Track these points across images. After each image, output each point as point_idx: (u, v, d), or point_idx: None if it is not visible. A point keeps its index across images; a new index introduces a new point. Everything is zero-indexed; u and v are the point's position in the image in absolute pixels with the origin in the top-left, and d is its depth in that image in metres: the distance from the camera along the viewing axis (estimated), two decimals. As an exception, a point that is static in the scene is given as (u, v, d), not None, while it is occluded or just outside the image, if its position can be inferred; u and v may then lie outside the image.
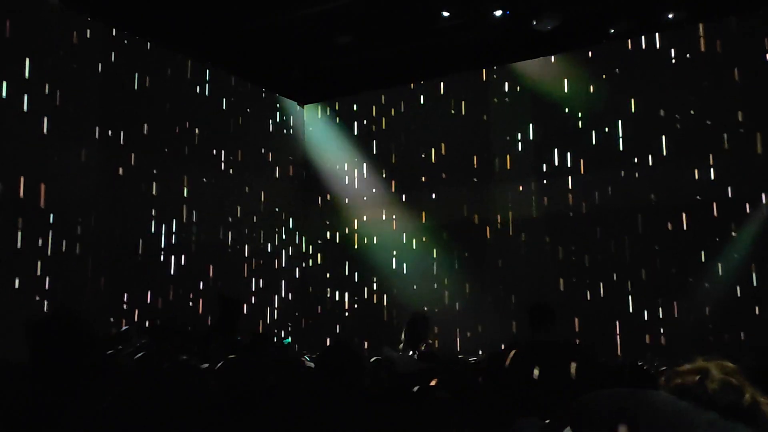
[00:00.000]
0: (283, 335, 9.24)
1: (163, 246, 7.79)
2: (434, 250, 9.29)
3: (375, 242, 9.71)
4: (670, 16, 7.12)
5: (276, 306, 9.51)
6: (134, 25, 7.33)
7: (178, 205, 8.08)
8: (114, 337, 4.77)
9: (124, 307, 7.12)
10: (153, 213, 7.72)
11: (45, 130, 6.52)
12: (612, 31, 7.46)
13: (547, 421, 1.61)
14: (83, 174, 6.91)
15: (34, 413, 1.99)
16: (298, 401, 2.36)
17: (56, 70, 6.70)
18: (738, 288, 7.47)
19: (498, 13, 7.08)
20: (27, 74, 6.42)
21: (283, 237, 9.82)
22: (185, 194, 8.20)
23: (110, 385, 2.00)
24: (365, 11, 7.17)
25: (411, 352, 4.81)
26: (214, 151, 8.69)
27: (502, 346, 3.09)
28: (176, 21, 7.13)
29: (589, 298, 8.20)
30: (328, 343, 8.71)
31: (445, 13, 7.20)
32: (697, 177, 7.81)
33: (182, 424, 1.99)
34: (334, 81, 9.08)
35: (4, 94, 6.17)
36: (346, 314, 9.71)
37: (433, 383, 2.67)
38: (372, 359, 3.94)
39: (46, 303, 6.36)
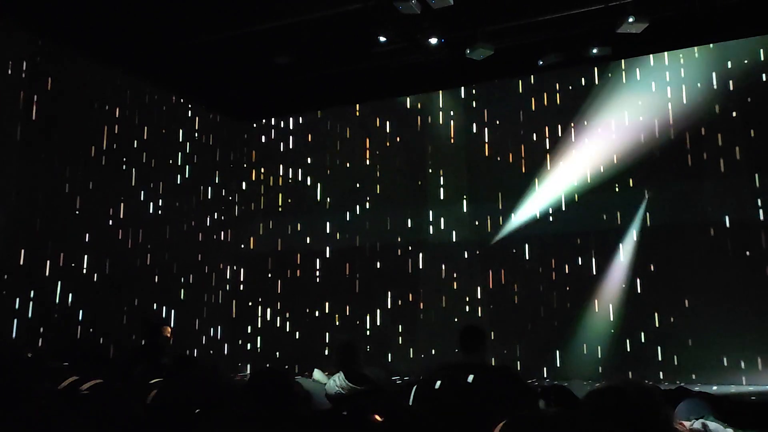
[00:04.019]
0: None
1: (88, 259, 7.47)
2: (368, 271, 9.34)
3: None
4: (594, 51, 7.51)
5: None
6: (64, 35, 7.08)
7: (103, 219, 7.81)
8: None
9: (41, 329, 6.76)
10: (74, 225, 7.41)
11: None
12: (540, 63, 7.79)
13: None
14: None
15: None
16: (226, 426, 2.31)
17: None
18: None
19: (433, 40, 7.25)
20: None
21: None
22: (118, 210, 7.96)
23: (30, 414, 1.90)
24: (303, 33, 7.22)
25: (341, 375, 4.78)
26: (141, 166, 8.45)
27: (432, 369, 3.13)
28: (111, 34, 6.96)
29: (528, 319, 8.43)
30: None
31: (382, 39, 7.32)
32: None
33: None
34: (273, 100, 9.09)
35: None
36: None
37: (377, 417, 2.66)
38: (302, 381, 3.90)
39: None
